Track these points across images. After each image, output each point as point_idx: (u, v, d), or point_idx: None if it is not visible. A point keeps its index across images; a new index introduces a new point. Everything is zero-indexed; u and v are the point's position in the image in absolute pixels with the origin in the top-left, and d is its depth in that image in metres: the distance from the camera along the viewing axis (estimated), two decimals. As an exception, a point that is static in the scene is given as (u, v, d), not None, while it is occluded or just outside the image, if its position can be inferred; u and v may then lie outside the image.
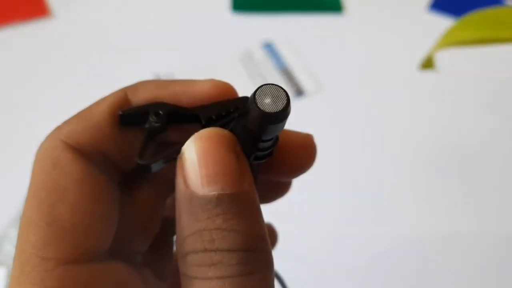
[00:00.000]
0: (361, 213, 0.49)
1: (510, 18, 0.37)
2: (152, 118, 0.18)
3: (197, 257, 0.16)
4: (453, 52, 0.44)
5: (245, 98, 0.18)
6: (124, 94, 0.19)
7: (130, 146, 0.19)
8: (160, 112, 0.18)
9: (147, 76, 0.58)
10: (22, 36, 0.63)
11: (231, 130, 0.17)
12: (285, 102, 0.16)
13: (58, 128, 0.19)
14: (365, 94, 0.59)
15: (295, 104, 0.56)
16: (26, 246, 0.16)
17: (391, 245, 0.47)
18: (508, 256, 0.46)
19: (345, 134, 0.55)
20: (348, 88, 0.59)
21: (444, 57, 0.46)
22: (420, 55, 0.45)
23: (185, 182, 0.16)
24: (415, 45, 0.53)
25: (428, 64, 0.43)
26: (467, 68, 0.60)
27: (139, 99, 0.19)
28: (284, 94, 0.16)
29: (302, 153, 0.21)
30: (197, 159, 0.16)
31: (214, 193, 0.16)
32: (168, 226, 0.22)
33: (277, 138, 0.19)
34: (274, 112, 0.16)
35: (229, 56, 0.61)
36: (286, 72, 0.59)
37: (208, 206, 0.16)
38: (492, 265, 0.46)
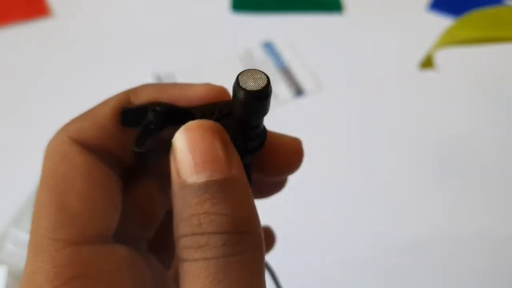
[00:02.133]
0: (360, 212, 0.49)
1: (510, 17, 0.37)
2: (150, 114, 0.20)
3: (186, 240, 0.17)
4: (453, 51, 0.44)
5: None
6: (126, 96, 0.21)
7: (130, 143, 0.20)
8: (158, 108, 0.20)
9: (147, 76, 0.58)
10: (22, 36, 0.63)
11: (217, 121, 0.18)
12: (266, 81, 0.17)
13: (66, 126, 0.20)
14: (365, 93, 0.59)
15: (295, 104, 0.57)
16: (39, 229, 0.18)
17: (390, 244, 0.47)
18: (509, 256, 0.46)
19: (345, 134, 0.55)
20: (348, 88, 0.59)
21: (443, 57, 0.46)
22: (419, 55, 0.46)
23: (177, 172, 0.17)
24: (415, 45, 0.53)
25: (427, 63, 0.43)
26: (466, 67, 0.60)
27: (140, 101, 0.21)
28: (264, 75, 0.18)
29: (289, 156, 0.23)
30: (186, 149, 0.17)
31: (202, 180, 0.17)
32: (171, 217, 0.23)
33: (265, 130, 0.20)
34: (257, 90, 0.17)
35: (229, 56, 0.61)
36: (286, 72, 0.59)
37: (197, 193, 0.17)
38: (493, 265, 0.46)
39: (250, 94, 0.17)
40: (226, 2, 0.67)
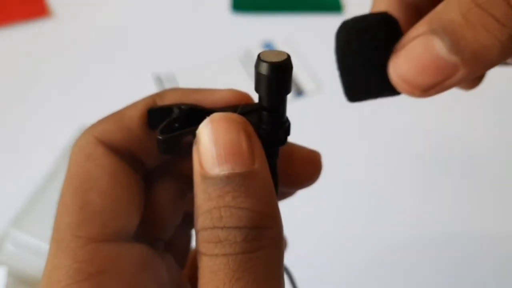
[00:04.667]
0: (362, 213, 0.49)
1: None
2: (175, 110, 0.21)
3: (206, 234, 0.17)
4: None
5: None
6: (152, 100, 0.21)
7: (154, 147, 0.20)
8: (182, 106, 0.21)
9: (147, 76, 0.58)
10: (22, 36, 0.63)
11: (241, 115, 0.18)
12: (286, 55, 0.18)
13: (92, 126, 0.21)
14: (365, 94, 0.59)
15: (295, 104, 0.57)
16: (62, 226, 0.19)
17: (396, 244, 0.47)
18: (507, 256, 0.46)
19: (345, 134, 0.55)
20: (348, 88, 0.59)
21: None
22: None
23: (200, 163, 0.17)
24: (415, 45, 0.53)
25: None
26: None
27: (165, 104, 0.21)
28: (283, 51, 0.18)
29: (307, 168, 0.23)
30: (210, 140, 0.17)
31: (224, 172, 0.17)
32: (188, 219, 0.24)
33: (288, 121, 0.20)
34: (279, 61, 0.17)
35: (229, 56, 0.61)
36: (286, 72, 0.59)
37: (219, 185, 0.17)
38: (492, 265, 0.46)
39: (273, 65, 0.17)
40: (226, 2, 0.67)
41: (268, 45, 0.62)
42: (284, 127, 0.19)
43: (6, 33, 0.63)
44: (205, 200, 0.17)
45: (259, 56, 0.18)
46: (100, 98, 0.55)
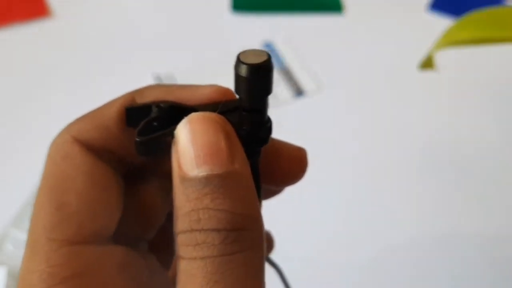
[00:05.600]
0: (360, 212, 0.49)
1: (510, 18, 0.37)
2: (154, 109, 0.20)
3: (184, 237, 0.16)
4: (453, 52, 0.44)
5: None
6: (131, 98, 0.21)
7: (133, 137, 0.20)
8: (161, 105, 0.20)
9: (147, 76, 0.58)
10: (22, 36, 0.63)
11: (222, 114, 0.18)
12: (266, 55, 0.17)
13: (69, 125, 0.20)
14: (365, 94, 0.59)
15: (295, 104, 0.57)
16: (37, 228, 0.18)
17: (390, 245, 0.47)
18: (504, 256, 0.46)
19: (345, 134, 0.55)
20: (348, 88, 0.59)
21: (443, 57, 0.46)
22: (419, 55, 0.46)
23: (178, 164, 0.17)
24: (415, 45, 0.53)
25: (427, 64, 0.43)
26: (466, 68, 0.60)
27: (145, 101, 0.21)
28: (264, 51, 0.17)
29: (292, 165, 0.22)
30: (188, 141, 0.17)
31: (203, 173, 0.16)
32: (172, 219, 0.23)
33: (270, 121, 0.19)
34: (259, 63, 0.17)
35: (229, 56, 0.61)
36: (286, 72, 0.59)
37: (197, 187, 0.16)
38: (493, 265, 0.46)
39: (252, 67, 0.17)
40: (226, 2, 0.67)
41: (268, 45, 0.62)
42: (266, 126, 0.19)
43: (6, 33, 0.63)
44: (183, 202, 0.16)
45: (238, 57, 0.17)
46: (100, 98, 0.55)
